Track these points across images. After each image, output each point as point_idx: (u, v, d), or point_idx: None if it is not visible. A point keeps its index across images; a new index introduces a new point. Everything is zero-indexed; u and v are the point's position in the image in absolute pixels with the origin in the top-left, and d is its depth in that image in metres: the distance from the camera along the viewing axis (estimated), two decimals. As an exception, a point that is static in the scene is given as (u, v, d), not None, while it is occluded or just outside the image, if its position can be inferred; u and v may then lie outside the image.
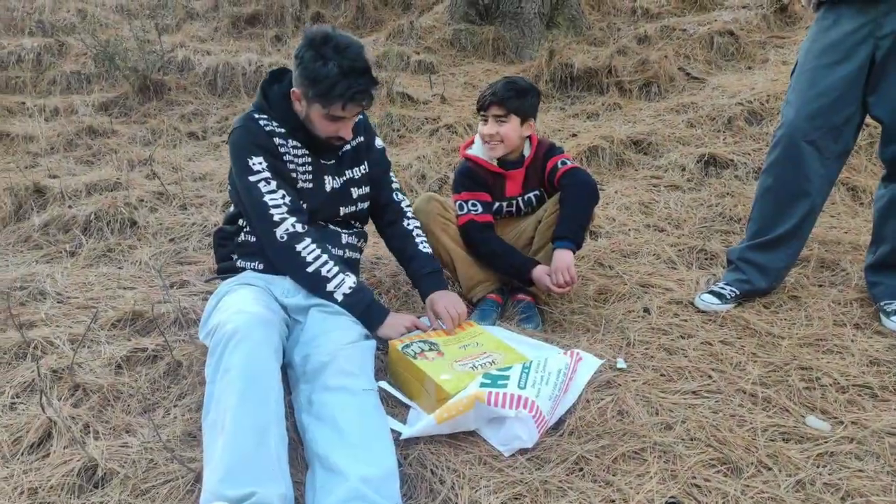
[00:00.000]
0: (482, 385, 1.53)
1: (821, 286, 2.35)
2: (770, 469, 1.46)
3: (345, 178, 1.85)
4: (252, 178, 1.65)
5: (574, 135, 3.82)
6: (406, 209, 1.99)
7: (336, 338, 1.59)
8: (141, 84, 4.72)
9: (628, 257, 2.59)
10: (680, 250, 2.62)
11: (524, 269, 2.02)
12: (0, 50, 5.59)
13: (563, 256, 1.96)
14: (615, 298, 2.27)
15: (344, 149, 1.84)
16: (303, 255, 1.65)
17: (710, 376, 1.82)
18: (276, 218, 1.64)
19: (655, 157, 3.55)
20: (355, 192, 1.87)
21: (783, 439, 1.57)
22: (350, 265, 1.86)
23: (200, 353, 1.77)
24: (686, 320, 2.11)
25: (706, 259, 2.57)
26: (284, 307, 1.71)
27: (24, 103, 4.81)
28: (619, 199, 3.08)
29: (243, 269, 1.76)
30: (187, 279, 2.32)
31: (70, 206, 2.95)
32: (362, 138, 1.89)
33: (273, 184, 1.66)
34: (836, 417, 1.64)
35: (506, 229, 2.15)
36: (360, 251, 1.94)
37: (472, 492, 1.38)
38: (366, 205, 1.92)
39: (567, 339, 2.00)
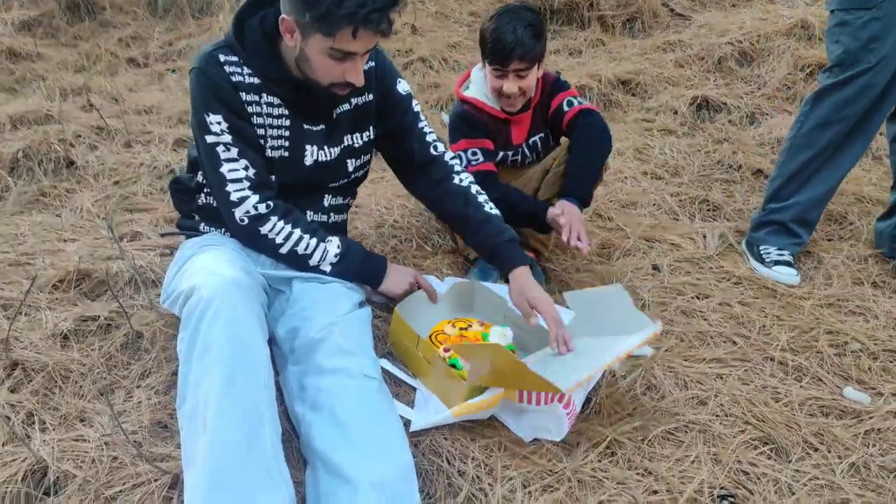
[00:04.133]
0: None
1: (830, 240, 2.23)
2: (818, 450, 1.34)
3: (342, 147, 1.48)
4: (210, 140, 1.32)
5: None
6: (454, 163, 1.57)
7: (327, 309, 1.35)
8: (69, 1, 4.17)
9: (628, 208, 2.41)
10: (681, 200, 2.46)
11: (538, 213, 1.77)
12: None
13: (573, 210, 1.74)
14: (620, 254, 2.09)
15: (339, 110, 1.45)
16: (270, 237, 1.36)
17: (734, 342, 1.68)
18: (234, 196, 1.33)
19: (645, 99, 3.34)
20: (352, 164, 1.51)
21: (823, 414, 1.45)
22: (336, 229, 1.59)
23: (164, 322, 1.50)
24: (699, 279, 1.96)
25: (709, 210, 2.42)
26: (263, 276, 1.46)
27: (-70, 20, 4.20)
28: (613, 144, 2.87)
29: (209, 232, 1.49)
30: (139, 230, 2.02)
31: (-7, 142, 2.55)
32: (371, 97, 1.47)
33: (234, 150, 1.33)
34: (873, 388, 1.53)
35: (508, 180, 1.92)
36: (348, 209, 1.67)
37: (497, 485, 1.20)
38: (363, 172, 1.59)
39: (576, 301, 1.82)
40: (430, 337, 1.49)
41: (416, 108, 1.56)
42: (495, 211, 1.54)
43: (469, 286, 1.66)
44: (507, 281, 1.50)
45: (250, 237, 1.38)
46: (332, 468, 1.08)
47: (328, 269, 1.39)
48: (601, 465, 1.27)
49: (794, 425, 1.39)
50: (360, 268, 1.45)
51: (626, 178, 2.62)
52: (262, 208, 1.35)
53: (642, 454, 1.29)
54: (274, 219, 1.36)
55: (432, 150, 1.56)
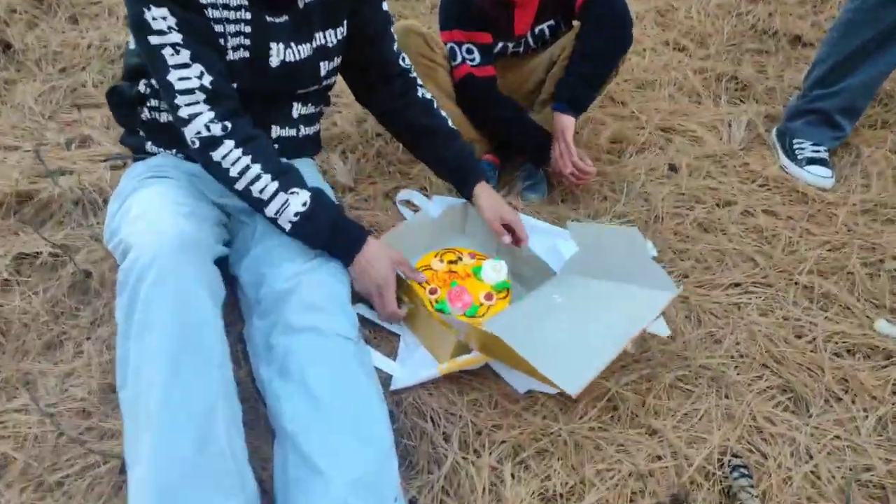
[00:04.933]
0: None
1: (872, 127, 1.97)
2: (841, 400, 1.21)
3: (314, 48, 1.23)
4: (153, 41, 1.06)
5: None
6: (415, 76, 1.40)
7: (297, 253, 1.17)
8: None
9: (644, 88, 2.12)
10: (705, 78, 2.16)
11: (543, 142, 1.56)
12: None
13: (560, 126, 1.50)
14: (634, 150, 1.85)
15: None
16: (224, 166, 1.12)
17: (755, 261, 1.50)
18: (183, 112, 1.09)
19: (670, -56, 2.87)
20: (325, 67, 1.27)
21: (850, 353, 1.31)
22: (308, 145, 1.37)
23: (115, 263, 1.33)
24: (721, 182, 1.74)
25: (737, 90, 2.13)
26: (222, 207, 1.25)
27: None
28: (630, 6, 2.49)
29: (158, 153, 1.26)
30: (89, 133, 1.78)
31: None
32: None
33: (185, 54, 1.07)
34: (909, 320, 1.38)
35: (507, 73, 1.64)
36: (321, 117, 1.42)
37: (485, 453, 1.09)
38: (334, 80, 1.35)
39: (581, 211, 1.63)
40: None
41: (386, 8, 1.30)
42: (455, 128, 1.42)
43: (461, 208, 1.46)
44: (467, 198, 1.41)
45: (204, 164, 1.15)
46: (303, 455, 0.96)
47: (287, 226, 1.18)
48: (601, 422, 1.15)
49: (817, 370, 1.26)
50: (329, 238, 1.19)
51: (644, 49, 2.29)
52: (217, 129, 1.11)
53: (647, 409, 1.17)
54: (229, 144, 1.12)
55: (401, 62, 1.37)
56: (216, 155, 1.12)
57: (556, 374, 0.96)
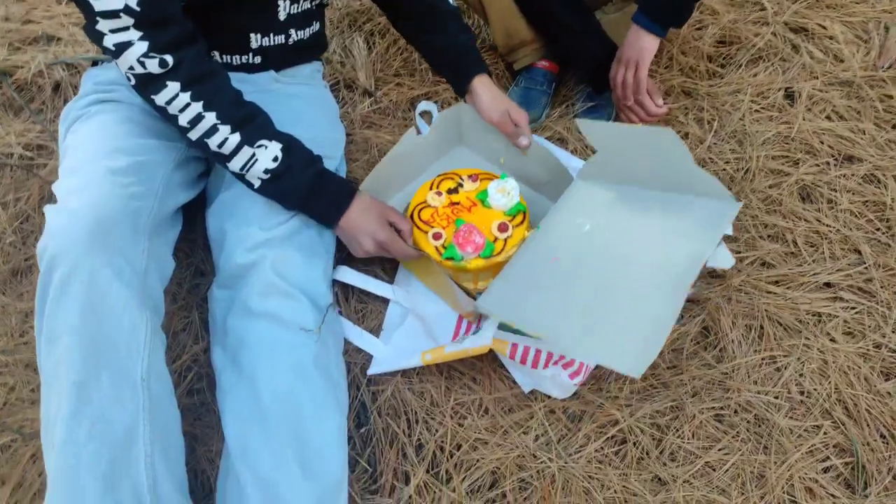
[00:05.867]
0: (502, 329, 0.97)
1: None
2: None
3: None
4: None
5: None
6: None
7: (267, 211, 0.97)
8: None
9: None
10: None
11: (608, 64, 1.20)
12: None
13: (637, 48, 1.12)
14: (745, 58, 1.42)
15: None
16: (170, 111, 0.88)
17: (860, 254, 1.17)
18: (109, 42, 0.82)
19: None
20: None
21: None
22: (300, 51, 1.11)
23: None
24: (849, 126, 1.32)
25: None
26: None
27: None
28: None
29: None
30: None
31: None
32: None
33: None
34: None
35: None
36: (320, 16, 1.13)
37: (457, 477, 0.96)
38: None
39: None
40: (412, 215, 1.11)
41: None
42: (455, 6, 1.16)
43: (454, 112, 1.21)
44: (461, 95, 1.18)
45: (150, 106, 0.92)
46: (236, 474, 0.86)
47: (255, 183, 0.95)
48: (601, 458, 0.98)
49: (893, 433, 1.00)
50: (305, 199, 0.97)
51: None
52: (154, 65, 0.86)
53: (662, 449, 0.98)
54: (173, 87, 0.88)
55: None
56: (159, 98, 0.89)
57: (612, 357, 0.80)
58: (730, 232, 0.98)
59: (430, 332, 1.07)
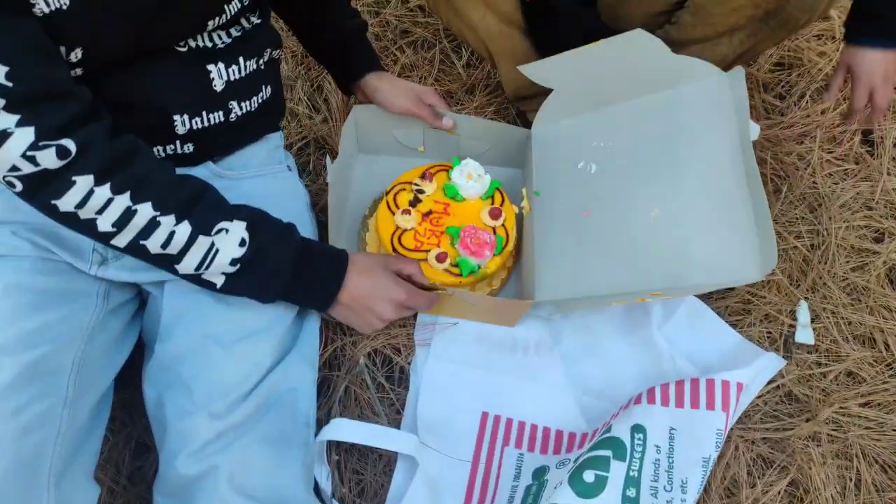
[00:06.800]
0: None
1: None
2: None
3: None
4: None
5: None
6: None
7: (215, 386, 0.70)
8: None
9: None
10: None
11: None
12: None
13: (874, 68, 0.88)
14: (807, 83, 1.17)
15: None
16: (83, 217, 0.61)
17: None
18: None
19: None
20: None
21: None
22: (247, 126, 0.82)
23: None
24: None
25: None
26: (107, 279, 0.75)
27: None
28: None
29: None
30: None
31: None
32: None
33: None
34: None
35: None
36: (272, 73, 0.84)
37: None
38: None
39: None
40: (394, 249, 0.92)
41: None
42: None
43: (350, 124, 1.02)
44: (349, 92, 1.01)
45: (50, 216, 0.63)
46: None
47: (219, 282, 0.69)
48: None
49: None
50: (291, 283, 0.72)
51: None
52: (49, 157, 0.57)
53: None
54: (82, 181, 0.59)
55: None
56: (64, 203, 0.61)
57: (730, 272, 0.79)
58: (745, 100, 0.87)
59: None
